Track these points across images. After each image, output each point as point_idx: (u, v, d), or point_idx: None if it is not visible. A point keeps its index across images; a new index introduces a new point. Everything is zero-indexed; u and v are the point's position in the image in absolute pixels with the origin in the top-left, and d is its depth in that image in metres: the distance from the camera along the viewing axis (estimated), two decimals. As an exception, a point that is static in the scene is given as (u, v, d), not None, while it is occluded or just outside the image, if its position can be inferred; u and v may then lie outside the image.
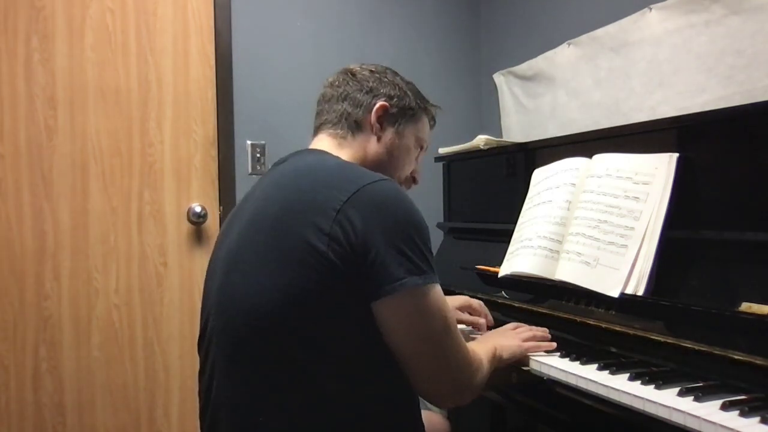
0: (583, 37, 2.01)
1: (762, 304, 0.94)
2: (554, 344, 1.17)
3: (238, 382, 0.92)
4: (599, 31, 1.94)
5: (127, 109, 2.07)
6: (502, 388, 1.27)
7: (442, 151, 1.98)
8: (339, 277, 0.85)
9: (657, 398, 0.89)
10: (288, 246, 0.87)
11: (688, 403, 0.86)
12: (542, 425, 1.22)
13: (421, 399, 0.97)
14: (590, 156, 1.36)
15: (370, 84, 1.11)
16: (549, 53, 2.17)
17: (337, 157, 1.03)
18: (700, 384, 0.94)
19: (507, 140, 1.98)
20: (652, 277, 1.12)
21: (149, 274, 2.11)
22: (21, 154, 1.95)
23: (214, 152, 2.20)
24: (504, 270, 1.45)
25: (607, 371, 1.03)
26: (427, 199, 2.12)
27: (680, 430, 0.84)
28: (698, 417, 0.82)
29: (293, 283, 0.86)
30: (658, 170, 1.18)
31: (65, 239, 2.00)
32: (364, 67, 1.15)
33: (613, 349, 1.14)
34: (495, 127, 2.46)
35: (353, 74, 1.13)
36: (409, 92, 1.15)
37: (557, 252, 1.32)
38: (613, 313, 1.18)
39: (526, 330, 1.22)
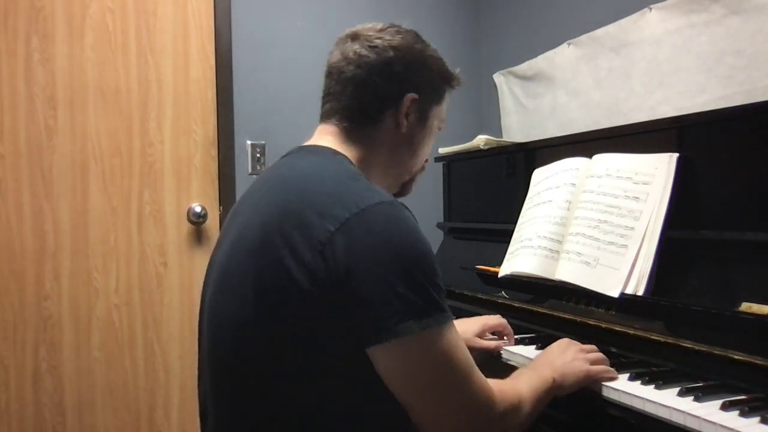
0: (583, 37, 2.01)
1: (762, 304, 0.94)
2: (617, 376, 1.00)
3: (224, 412, 0.87)
4: (599, 31, 1.94)
5: (127, 109, 2.07)
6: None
7: (442, 151, 1.98)
8: (325, 318, 0.77)
9: (657, 398, 0.89)
10: (269, 277, 0.79)
11: (688, 403, 0.86)
12: (542, 425, 1.21)
13: None
14: (590, 156, 1.36)
15: (398, 68, 0.95)
16: (549, 53, 2.17)
17: (341, 162, 0.91)
18: (700, 384, 0.94)
19: (507, 140, 1.98)
20: (652, 277, 1.12)
21: (149, 274, 2.11)
22: (21, 154, 1.95)
23: (214, 152, 2.20)
24: (504, 270, 1.45)
25: (607, 371, 1.03)
26: (427, 199, 2.12)
27: (680, 430, 0.84)
28: (698, 417, 0.82)
29: (274, 318, 0.79)
30: (658, 170, 1.18)
31: (65, 239, 2.00)
32: (387, 38, 0.96)
33: (613, 349, 1.14)
34: (495, 127, 2.46)
35: (376, 50, 0.95)
36: (438, 73, 1.01)
37: (557, 252, 1.32)
38: (613, 313, 1.18)
39: (592, 349, 1.05)
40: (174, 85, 2.13)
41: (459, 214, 2.01)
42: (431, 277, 0.79)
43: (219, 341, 0.87)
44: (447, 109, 1.08)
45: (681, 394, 0.90)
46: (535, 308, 1.36)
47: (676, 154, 1.17)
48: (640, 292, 1.12)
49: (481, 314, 1.43)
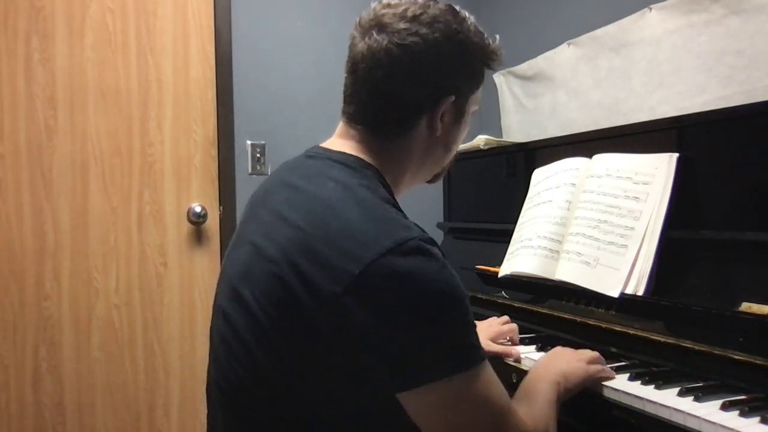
0: (583, 37, 2.01)
1: (762, 304, 0.94)
2: (615, 374, 1.01)
3: (229, 418, 0.85)
4: (599, 31, 1.94)
5: (127, 109, 2.07)
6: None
7: (442, 151, 1.97)
8: (339, 360, 0.73)
9: (657, 398, 0.89)
10: (286, 307, 0.75)
11: (688, 403, 0.86)
12: (542, 425, 1.21)
13: None
14: (590, 156, 1.36)
15: (437, 74, 0.84)
16: (549, 53, 2.17)
17: (369, 179, 0.83)
18: (700, 384, 0.93)
19: (507, 140, 1.98)
20: (652, 277, 1.12)
21: (149, 274, 2.11)
22: (21, 154, 1.95)
23: (214, 152, 2.20)
24: (504, 270, 1.45)
25: (607, 371, 1.03)
26: (427, 199, 2.12)
27: (680, 430, 0.84)
28: (698, 417, 0.82)
29: (286, 348, 0.75)
30: (658, 170, 1.18)
31: (65, 239, 2.00)
32: (420, 32, 0.82)
33: (613, 349, 1.14)
34: (495, 127, 2.45)
35: (408, 49, 0.82)
36: (479, 60, 0.91)
37: (557, 252, 1.32)
38: (613, 313, 1.18)
39: (589, 353, 1.04)
40: (174, 85, 2.13)
41: (459, 214, 2.01)
42: (462, 320, 0.75)
43: (229, 358, 0.83)
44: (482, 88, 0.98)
45: (681, 394, 0.90)
46: (535, 308, 1.36)
47: (676, 154, 1.17)
48: (640, 292, 1.12)
49: (481, 314, 1.43)
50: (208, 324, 1.01)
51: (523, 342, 1.27)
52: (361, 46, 0.85)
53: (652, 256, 1.12)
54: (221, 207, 2.20)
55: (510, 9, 2.45)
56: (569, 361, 0.99)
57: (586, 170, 1.35)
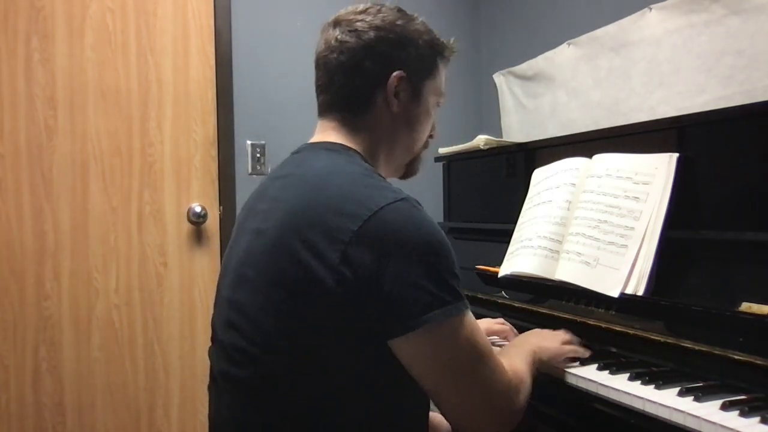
0: (583, 37, 2.01)
1: (762, 304, 0.94)
2: (588, 352, 1.10)
3: (240, 406, 0.88)
4: (599, 31, 1.94)
5: (127, 109, 2.07)
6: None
7: (442, 151, 1.98)
8: (347, 313, 0.79)
9: (657, 398, 0.89)
10: (290, 275, 0.81)
11: (688, 403, 0.86)
12: (542, 424, 1.21)
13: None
14: (590, 156, 1.36)
15: (382, 47, 0.94)
16: (549, 53, 2.17)
17: (352, 158, 0.93)
18: (700, 384, 0.93)
19: (507, 140, 1.98)
20: (652, 277, 1.12)
21: (149, 274, 2.11)
22: (21, 154, 1.95)
23: (214, 152, 2.20)
24: (504, 270, 1.45)
25: (607, 371, 1.03)
26: (427, 199, 2.11)
27: (680, 430, 0.84)
28: (698, 417, 0.82)
29: (295, 314, 0.81)
30: (658, 170, 1.18)
31: (65, 239, 2.00)
32: (368, 19, 0.95)
33: (613, 349, 1.14)
34: (495, 127, 2.46)
35: (357, 33, 0.95)
36: (426, 46, 0.98)
37: (557, 252, 1.32)
38: (613, 313, 1.18)
39: (563, 332, 1.13)
40: (174, 85, 2.13)
41: (459, 214, 2.01)
42: (450, 267, 0.82)
43: (237, 336, 0.87)
44: (444, 83, 1.05)
45: (681, 394, 0.90)
46: (535, 308, 1.36)
47: (676, 154, 1.17)
48: (640, 292, 1.11)
49: (481, 314, 1.43)
50: (208, 324, 1.01)
51: (523, 342, 1.27)
52: (321, 42, 0.99)
53: (652, 256, 1.12)
54: (221, 207, 2.20)
55: (510, 9, 2.46)
56: (545, 338, 1.09)
57: (586, 170, 1.35)
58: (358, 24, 0.95)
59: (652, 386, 0.94)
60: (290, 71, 2.29)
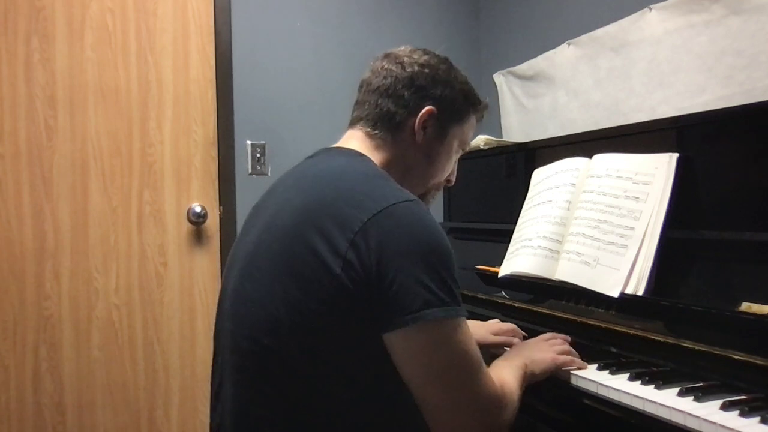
0: (583, 37, 2.01)
1: (762, 304, 0.94)
2: (586, 365, 1.07)
3: (244, 393, 0.89)
4: (599, 31, 1.94)
5: (127, 109, 2.07)
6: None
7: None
8: (351, 301, 0.81)
9: (657, 398, 0.89)
10: (301, 261, 0.83)
11: (688, 403, 0.86)
12: (541, 424, 1.21)
13: None
14: (590, 156, 1.36)
15: (421, 81, 1.01)
16: (549, 53, 2.17)
17: (367, 162, 0.97)
18: (700, 384, 0.93)
19: (507, 140, 1.98)
20: (652, 277, 1.12)
21: (149, 274, 2.11)
22: (21, 154, 1.95)
23: (214, 152, 2.20)
24: (504, 270, 1.45)
25: (607, 371, 1.03)
26: (427, 199, 2.12)
27: (680, 430, 0.84)
28: (698, 417, 0.82)
29: (303, 300, 0.82)
30: (658, 170, 1.18)
31: (65, 239, 2.00)
32: (415, 57, 1.03)
33: (613, 349, 1.14)
34: (495, 127, 2.46)
35: (402, 65, 1.02)
36: (460, 93, 1.06)
37: (557, 252, 1.32)
38: (613, 313, 1.18)
39: (560, 342, 1.12)
40: (174, 85, 2.13)
41: (459, 214, 2.01)
42: (451, 272, 0.84)
43: (244, 324, 0.89)
44: (471, 135, 1.12)
45: (681, 394, 0.90)
46: (535, 308, 1.36)
47: (676, 154, 1.17)
48: (640, 292, 1.12)
49: (481, 314, 1.43)
50: (209, 324, 1.02)
51: (523, 342, 1.27)
52: (368, 70, 1.06)
53: (652, 256, 1.12)
54: (221, 207, 2.20)
55: (510, 9, 2.46)
56: (539, 350, 1.07)
57: (586, 170, 1.35)
58: (406, 59, 1.03)
59: (652, 386, 0.94)
60: (290, 71, 2.29)
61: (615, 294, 1.14)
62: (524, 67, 2.31)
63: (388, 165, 1.00)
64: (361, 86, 1.06)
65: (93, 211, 2.03)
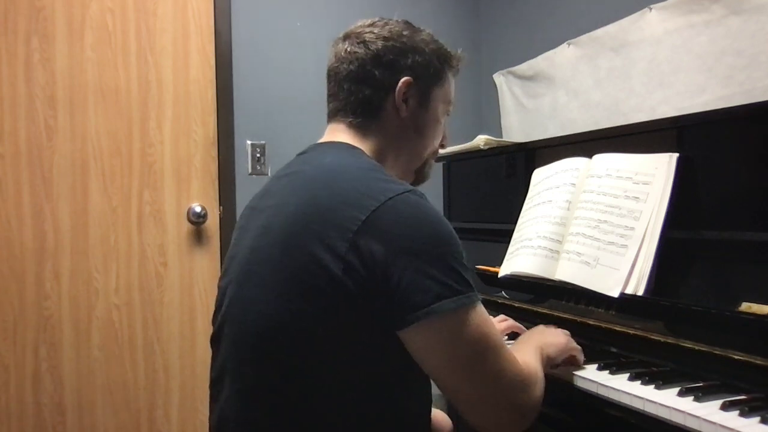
0: (583, 37, 2.01)
1: (762, 304, 0.94)
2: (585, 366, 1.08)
3: (245, 397, 0.88)
4: (599, 31, 1.94)
5: (127, 109, 2.07)
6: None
7: (442, 151, 1.97)
8: (354, 304, 0.79)
9: (657, 398, 0.89)
10: (300, 267, 0.81)
11: (688, 403, 0.86)
12: (541, 424, 1.21)
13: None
14: (590, 156, 1.36)
15: (389, 56, 0.97)
16: (549, 53, 2.17)
17: (359, 155, 0.95)
18: (700, 384, 0.93)
19: (507, 140, 1.98)
20: (652, 277, 1.12)
21: (149, 274, 2.11)
22: (21, 154, 1.95)
23: (214, 152, 2.20)
24: (504, 270, 1.45)
25: (607, 371, 1.03)
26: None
27: (680, 430, 0.84)
28: (698, 417, 0.82)
29: (304, 305, 0.81)
30: (658, 170, 1.18)
31: (65, 239, 2.00)
32: (376, 31, 0.99)
33: (613, 349, 1.14)
34: (495, 127, 2.46)
35: (365, 44, 0.98)
36: (432, 54, 1.01)
37: (557, 252, 1.32)
38: (613, 313, 1.18)
39: (564, 331, 1.12)
40: (174, 85, 2.13)
41: (459, 214, 2.01)
42: (459, 258, 0.82)
43: (243, 330, 0.88)
44: (453, 91, 1.07)
45: (681, 394, 0.90)
46: (535, 308, 1.36)
47: (676, 154, 1.16)
48: (640, 292, 1.11)
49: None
50: (209, 324, 1.02)
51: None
52: (331, 56, 1.03)
53: (652, 256, 1.12)
54: (221, 207, 2.20)
55: (510, 9, 2.46)
56: (551, 334, 1.08)
57: (586, 170, 1.35)
58: (367, 36, 0.99)
59: (652, 386, 0.94)
60: (290, 71, 2.29)
61: (615, 294, 1.14)
62: (524, 67, 2.31)
63: (379, 151, 0.99)
64: (329, 76, 1.03)
65: (93, 211, 2.03)
